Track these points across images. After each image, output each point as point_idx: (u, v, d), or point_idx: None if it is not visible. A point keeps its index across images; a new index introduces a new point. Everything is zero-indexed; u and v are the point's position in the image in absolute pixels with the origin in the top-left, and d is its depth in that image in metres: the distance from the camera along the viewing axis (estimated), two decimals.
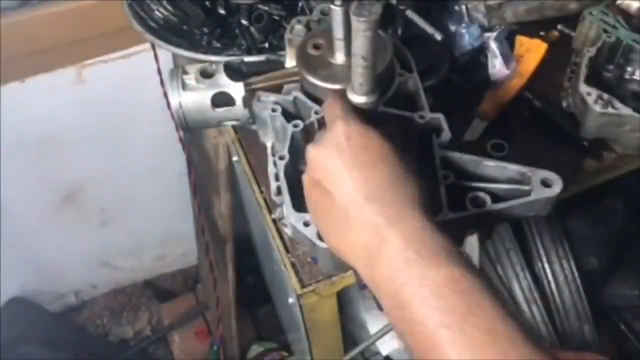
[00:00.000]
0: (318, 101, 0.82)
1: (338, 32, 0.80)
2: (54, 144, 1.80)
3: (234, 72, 0.88)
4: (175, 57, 1.48)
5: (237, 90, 0.87)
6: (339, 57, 0.82)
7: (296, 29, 0.91)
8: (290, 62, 0.89)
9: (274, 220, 1.02)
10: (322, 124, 0.78)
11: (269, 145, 0.87)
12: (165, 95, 1.64)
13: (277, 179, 0.81)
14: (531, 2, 1.14)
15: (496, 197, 0.75)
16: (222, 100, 0.88)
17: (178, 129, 1.75)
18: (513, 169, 0.77)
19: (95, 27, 1.57)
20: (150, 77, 1.59)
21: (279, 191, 0.81)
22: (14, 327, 2.10)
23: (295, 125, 0.80)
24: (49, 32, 1.55)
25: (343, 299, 1.09)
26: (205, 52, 1.16)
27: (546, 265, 1.69)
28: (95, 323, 2.33)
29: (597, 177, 1.11)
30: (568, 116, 1.12)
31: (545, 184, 0.75)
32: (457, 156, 0.79)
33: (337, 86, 0.81)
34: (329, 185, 0.63)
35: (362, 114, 0.69)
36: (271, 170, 0.83)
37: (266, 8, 1.18)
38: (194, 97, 0.87)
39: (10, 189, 1.84)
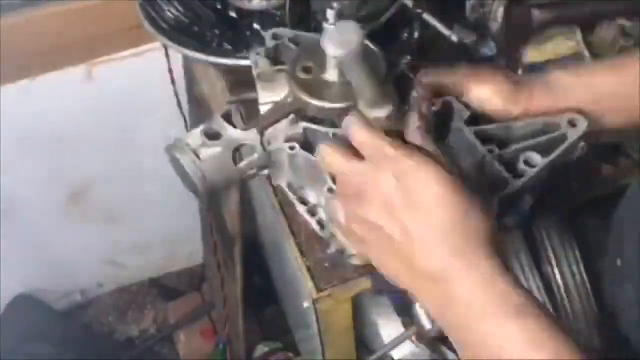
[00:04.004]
0: (328, 123, 0.81)
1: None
2: (62, 142, 1.80)
3: (231, 119, 0.82)
4: (185, 58, 1.48)
5: (252, 137, 0.80)
6: (332, 74, 0.81)
7: (260, 62, 0.88)
8: (263, 96, 0.86)
9: (289, 224, 1.02)
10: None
11: (284, 184, 0.85)
12: (177, 94, 1.65)
13: (312, 214, 0.81)
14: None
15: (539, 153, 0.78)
16: (239, 153, 0.82)
17: (187, 127, 1.76)
18: (539, 121, 0.80)
19: (107, 25, 1.56)
20: (161, 76, 1.59)
21: (322, 225, 0.80)
22: (19, 324, 2.10)
23: None
24: (60, 30, 1.54)
25: (356, 303, 1.08)
26: (216, 55, 1.15)
27: (556, 270, 1.69)
28: (101, 321, 2.32)
29: (614, 184, 1.11)
30: None
31: (573, 124, 0.78)
32: (487, 128, 0.80)
33: (343, 104, 0.79)
34: (392, 234, 0.60)
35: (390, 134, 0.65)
36: (301, 208, 0.82)
37: (278, 13, 1.18)
38: (215, 163, 0.80)
39: (18, 187, 1.83)
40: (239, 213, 1.52)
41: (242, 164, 0.81)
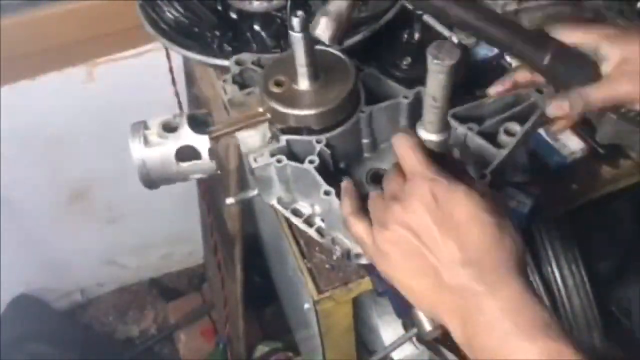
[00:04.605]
0: (306, 132, 0.83)
1: (300, 58, 0.80)
2: (63, 142, 1.80)
3: (198, 124, 0.84)
4: (185, 58, 1.48)
5: (202, 142, 0.82)
6: (304, 83, 0.83)
7: (229, 89, 0.89)
8: None
9: (289, 226, 1.02)
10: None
11: (274, 202, 0.86)
12: (177, 94, 1.64)
13: (310, 224, 0.82)
14: (548, 10, 1.14)
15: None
16: (187, 154, 0.83)
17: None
18: (509, 96, 0.85)
19: (107, 26, 1.56)
20: (162, 76, 1.59)
21: (321, 233, 0.81)
22: (19, 324, 2.10)
23: (311, 162, 0.80)
24: (60, 30, 1.54)
25: (356, 305, 1.08)
26: (216, 56, 1.15)
27: (555, 270, 1.69)
28: (101, 321, 2.33)
29: (614, 184, 1.11)
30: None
31: (540, 91, 0.84)
32: (462, 108, 0.84)
33: (319, 110, 0.81)
34: (422, 246, 0.61)
35: (436, 156, 0.66)
36: (297, 220, 0.83)
37: (279, 15, 1.18)
38: (157, 153, 0.82)
39: (19, 187, 1.83)
40: (239, 213, 1.52)
41: (183, 165, 0.83)
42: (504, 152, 0.79)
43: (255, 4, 1.19)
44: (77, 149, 1.83)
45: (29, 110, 1.66)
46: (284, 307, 1.97)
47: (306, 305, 1.02)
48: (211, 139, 0.82)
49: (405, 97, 0.85)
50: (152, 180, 0.84)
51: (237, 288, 1.75)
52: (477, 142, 0.80)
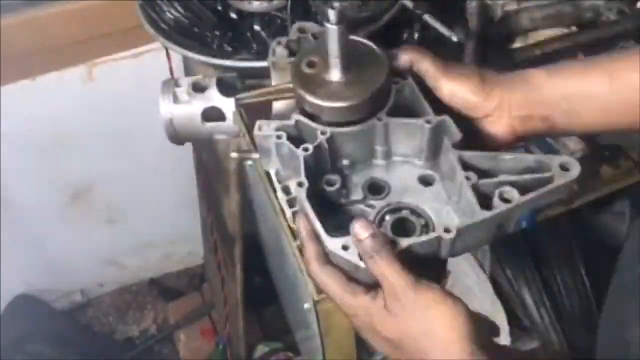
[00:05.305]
0: (319, 120, 0.81)
1: (333, 50, 0.79)
2: (63, 142, 1.80)
3: (226, 87, 0.88)
4: (185, 58, 1.48)
5: (228, 105, 0.87)
6: (335, 75, 0.81)
7: (278, 51, 0.89)
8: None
9: (289, 225, 1.02)
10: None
11: (272, 172, 0.84)
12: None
13: (290, 205, 0.80)
14: (548, 9, 1.14)
15: (521, 190, 0.73)
16: (212, 114, 0.88)
17: None
18: (530, 159, 0.76)
19: (107, 26, 1.57)
20: (162, 76, 1.56)
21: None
22: (19, 324, 2.10)
23: (305, 149, 0.79)
24: (60, 30, 1.54)
25: None
26: (216, 56, 1.15)
27: (555, 270, 1.69)
28: (101, 321, 2.33)
29: (614, 185, 1.11)
30: None
31: (564, 167, 0.74)
32: (473, 154, 0.77)
33: (337, 104, 0.80)
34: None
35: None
36: (282, 197, 0.81)
37: (279, 15, 1.18)
38: (185, 110, 0.87)
39: (19, 187, 1.84)
40: (239, 213, 1.52)
41: (208, 124, 0.88)
42: (484, 215, 0.72)
43: (255, 4, 1.19)
44: (77, 149, 1.83)
45: (29, 110, 1.66)
46: (284, 307, 1.96)
47: (306, 306, 1.02)
48: (237, 105, 0.84)
49: (428, 122, 0.80)
50: (177, 136, 0.89)
51: (237, 288, 1.75)
52: (466, 195, 0.74)
